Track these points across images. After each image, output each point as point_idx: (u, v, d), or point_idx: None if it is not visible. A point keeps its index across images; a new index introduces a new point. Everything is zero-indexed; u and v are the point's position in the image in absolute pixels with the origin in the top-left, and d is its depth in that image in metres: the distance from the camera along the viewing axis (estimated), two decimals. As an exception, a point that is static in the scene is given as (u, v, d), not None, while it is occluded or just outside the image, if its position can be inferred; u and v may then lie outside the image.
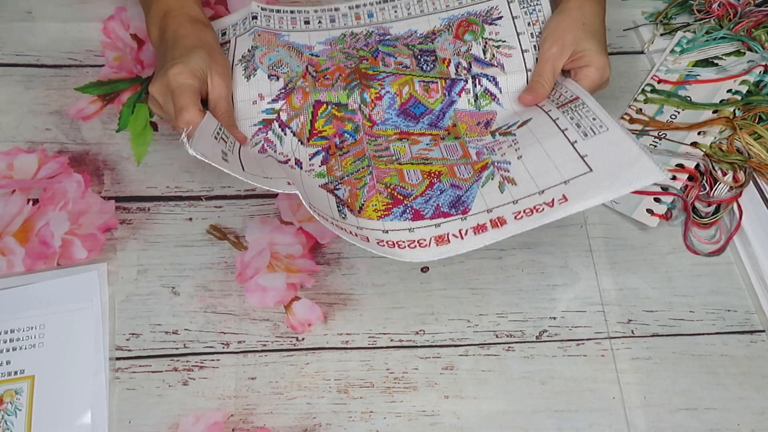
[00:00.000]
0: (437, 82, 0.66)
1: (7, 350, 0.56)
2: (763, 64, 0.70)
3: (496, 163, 0.59)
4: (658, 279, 0.63)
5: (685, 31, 0.76)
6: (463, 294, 0.62)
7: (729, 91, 0.69)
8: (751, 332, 0.61)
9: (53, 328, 0.57)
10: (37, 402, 0.54)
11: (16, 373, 0.56)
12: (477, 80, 0.67)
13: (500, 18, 0.70)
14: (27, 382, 0.55)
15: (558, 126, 0.59)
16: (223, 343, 0.59)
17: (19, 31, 0.75)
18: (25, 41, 0.74)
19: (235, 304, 0.61)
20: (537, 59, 0.67)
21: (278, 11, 0.73)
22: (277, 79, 0.67)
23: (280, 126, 0.65)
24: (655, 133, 0.69)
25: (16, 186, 0.65)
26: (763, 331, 0.61)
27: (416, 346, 0.59)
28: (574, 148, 0.56)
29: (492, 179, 0.58)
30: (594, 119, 0.58)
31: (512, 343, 0.59)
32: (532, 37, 0.69)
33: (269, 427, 0.55)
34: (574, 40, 0.64)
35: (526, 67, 0.67)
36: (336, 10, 0.74)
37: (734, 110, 0.68)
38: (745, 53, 0.72)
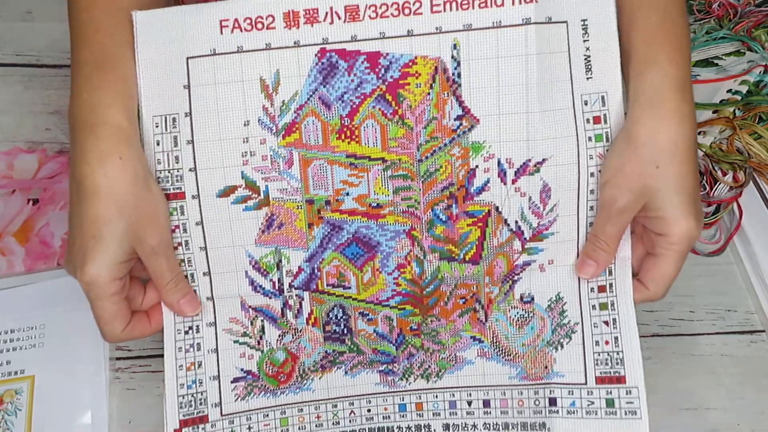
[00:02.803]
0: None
1: (7, 350, 0.56)
2: (763, 64, 0.70)
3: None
4: (658, 279, 0.63)
5: (685, 31, 0.76)
6: (463, 294, 0.62)
7: (729, 91, 0.69)
8: (751, 332, 0.61)
9: (53, 328, 0.57)
10: (37, 402, 0.54)
11: (16, 373, 0.56)
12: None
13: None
14: (27, 382, 0.55)
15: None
16: (223, 343, 0.59)
17: (19, 31, 0.75)
18: (25, 41, 0.74)
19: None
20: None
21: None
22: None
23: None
24: (655, 133, 0.69)
25: (16, 186, 0.65)
26: (763, 331, 0.61)
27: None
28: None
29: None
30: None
31: (512, 343, 0.59)
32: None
33: (269, 427, 0.55)
34: (644, 191, 0.46)
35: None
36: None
37: (734, 110, 0.68)
38: (745, 53, 0.72)
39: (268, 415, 0.50)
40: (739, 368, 0.59)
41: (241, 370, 0.50)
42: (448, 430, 0.50)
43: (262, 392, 0.50)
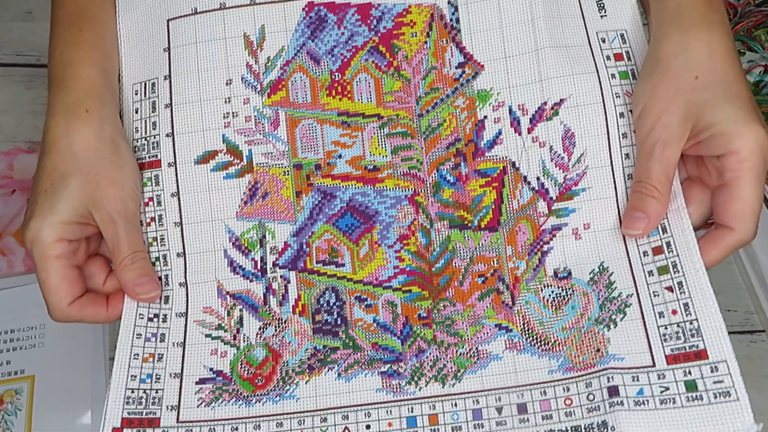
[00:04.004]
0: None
1: (7, 350, 0.56)
2: (763, 64, 0.70)
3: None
4: (658, 279, 0.63)
5: (685, 31, 0.76)
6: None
7: (729, 91, 0.70)
8: (751, 332, 0.61)
9: (53, 328, 0.57)
10: (37, 402, 0.54)
11: (16, 373, 0.56)
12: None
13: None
14: (27, 382, 0.55)
15: None
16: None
17: (19, 31, 0.75)
18: (25, 41, 0.74)
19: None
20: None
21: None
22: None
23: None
24: (655, 133, 0.69)
25: (16, 186, 0.65)
26: (763, 331, 0.61)
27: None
28: None
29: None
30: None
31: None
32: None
33: (269, 427, 0.55)
34: (688, 109, 0.38)
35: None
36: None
37: (734, 110, 0.68)
38: (745, 53, 0.72)
39: (237, 429, 0.39)
40: (739, 368, 0.59)
41: (210, 369, 0.41)
42: None
43: (234, 399, 0.40)
